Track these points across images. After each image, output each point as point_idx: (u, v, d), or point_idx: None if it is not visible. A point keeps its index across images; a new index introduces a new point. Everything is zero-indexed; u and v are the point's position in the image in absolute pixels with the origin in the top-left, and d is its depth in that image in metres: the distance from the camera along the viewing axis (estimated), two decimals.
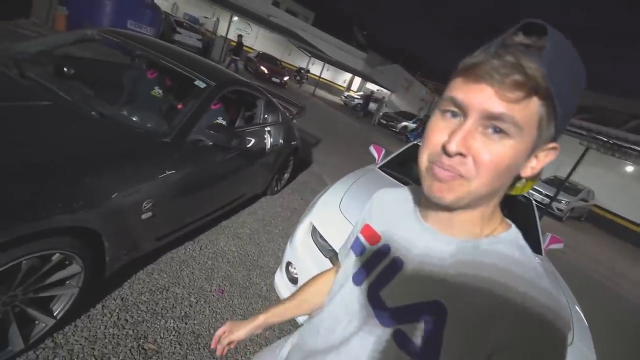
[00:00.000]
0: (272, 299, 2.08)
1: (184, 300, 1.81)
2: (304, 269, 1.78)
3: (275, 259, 2.51)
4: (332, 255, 1.76)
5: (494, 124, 0.41)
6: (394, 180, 2.65)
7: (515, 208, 2.91)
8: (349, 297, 0.57)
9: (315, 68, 21.58)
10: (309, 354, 0.62)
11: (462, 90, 0.42)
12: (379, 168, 2.89)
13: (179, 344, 1.57)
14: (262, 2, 18.59)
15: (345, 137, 9.38)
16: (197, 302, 1.83)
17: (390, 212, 0.61)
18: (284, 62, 19.34)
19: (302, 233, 1.90)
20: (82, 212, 1.24)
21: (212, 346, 0.77)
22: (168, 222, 1.83)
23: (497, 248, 0.46)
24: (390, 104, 22.11)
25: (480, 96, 0.41)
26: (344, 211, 1.92)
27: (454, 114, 0.44)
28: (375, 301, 0.52)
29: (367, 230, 0.62)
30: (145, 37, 2.53)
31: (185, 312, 1.74)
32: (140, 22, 7.53)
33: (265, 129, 2.84)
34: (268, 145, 2.84)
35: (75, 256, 1.29)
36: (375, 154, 3.37)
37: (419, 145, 2.90)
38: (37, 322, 1.29)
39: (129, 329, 1.53)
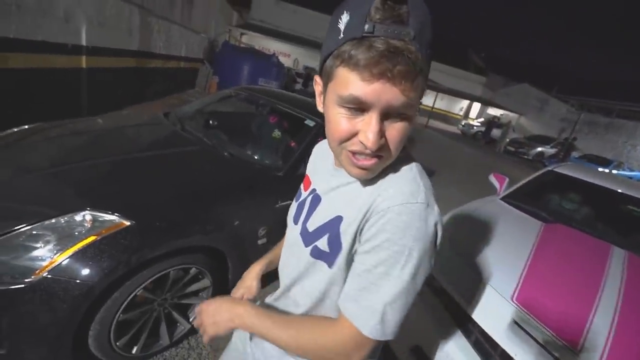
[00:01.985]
0: None
1: None
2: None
3: None
4: (441, 295, 1.58)
5: (397, 112, 0.47)
6: (521, 212, 2.26)
7: None
8: (291, 233, 0.70)
9: (428, 99, 21.02)
10: (279, 295, 0.73)
11: (361, 89, 0.44)
12: (501, 199, 2.52)
13: None
14: None
15: (463, 168, 8.61)
16: None
17: (318, 162, 0.75)
18: None
19: None
20: (213, 234, 1.50)
21: None
22: None
23: (386, 170, 0.56)
24: (520, 128, 19.38)
25: (382, 94, 0.44)
26: (455, 246, 1.73)
27: (356, 110, 0.48)
28: (303, 231, 0.65)
29: (305, 179, 0.75)
30: (268, 89, 3.00)
31: None
32: (268, 78, 8.99)
33: None
34: None
35: (207, 272, 1.54)
36: (497, 184, 2.95)
37: (555, 171, 2.42)
38: (178, 324, 1.57)
39: None
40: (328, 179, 0.65)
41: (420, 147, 8.66)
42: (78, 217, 1.25)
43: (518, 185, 2.70)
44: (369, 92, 0.44)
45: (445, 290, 1.54)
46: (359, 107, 0.47)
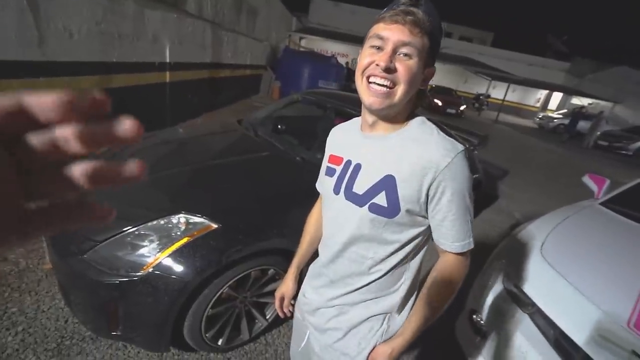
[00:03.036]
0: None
1: None
2: (494, 321, 1.51)
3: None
4: (532, 311, 1.41)
5: (403, 50, 0.64)
6: (629, 220, 1.93)
7: None
8: (334, 204, 0.79)
9: (498, 91, 19.30)
10: (322, 265, 0.85)
11: (383, 29, 0.65)
12: (601, 204, 2.19)
13: None
14: None
15: (543, 167, 7.67)
16: None
17: (343, 139, 0.85)
18: (460, 91, 18.39)
19: (491, 278, 1.64)
20: (289, 237, 1.54)
21: (281, 314, 1.02)
22: None
23: (410, 130, 0.72)
24: (615, 119, 16.70)
25: (396, 32, 0.63)
26: (546, 256, 1.55)
27: (378, 48, 0.66)
28: (350, 195, 0.74)
29: (332, 158, 0.84)
30: (330, 91, 3.02)
31: None
32: (328, 80, 9.09)
33: None
34: None
35: (283, 273, 1.60)
36: (595, 186, 2.55)
37: None
38: (256, 320, 1.66)
39: None
40: (360, 147, 0.76)
41: (493, 144, 7.97)
42: (174, 220, 1.39)
43: (624, 187, 2.32)
44: (387, 30, 0.64)
45: (537, 307, 1.37)
46: (379, 45, 0.65)
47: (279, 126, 2.72)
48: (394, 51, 0.63)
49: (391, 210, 0.68)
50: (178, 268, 1.27)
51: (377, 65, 0.64)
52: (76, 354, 1.42)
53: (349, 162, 0.77)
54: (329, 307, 0.83)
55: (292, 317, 1.02)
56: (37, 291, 1.67)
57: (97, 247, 1.31)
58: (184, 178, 1.74)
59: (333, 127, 2.99)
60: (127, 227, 1.35)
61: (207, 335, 1.43)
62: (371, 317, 0.79)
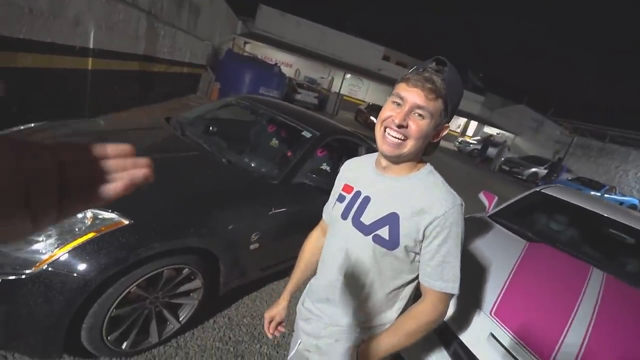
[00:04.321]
0: None
1: None
2: None
3: None
4: None
5: (418, 111, 0.75)
6: (507, 230, 2.34)
7: None
8: (340, 229, 0.88)
9: None
10: (321, 284, 0.92)
11: (404, 90, 0.76)
12: (489, 217, 2.60)
13: None
14: (373, 58, 20.04)
15: (455, 183, 8.62)
16: (289, 335, 1.94)
17: (357, 172, 0.94)
18: None
19: None
20: (207, 237, 1.55)
21: (269, 335, 1.06)
22: (272, 255, 2.06)
23: (420, 176, 0.83)
24: (515, 148, 19.66)
25: (414, 95, 0.74)
26: None
27: (398, 104, 0.77)
28: (357, 223, 0.84)
29: (345, 187, 0.93)
30: (269, 99, 3.10)
31: (278, 342, 1.86)
32: (269, 87, 9.15)
33: None
34: None
35: (199, 273, 1.59)
36: (486, 202, 3.03)
37: (542, 192, 2.51)
38: (168, 322, 1.61)
39: (231, 346, 1.73)
40: (373, 182, 0.86)
41: None
42: (79, 214, 1.31)
43: (506, 204, 2.79)
44: (407, 92, 0.75)
45: None
46: (399, 102, 0.76)
47: (210, 128, 2.70)
48: (410, 111, 0.74)
49: (391, 243, 0.78)
50: (79, 265, 1.19)
51: (393, 120, 0.75)
52: None
53: (358, 193, 0.87)
54: (324, 324, 0.90)
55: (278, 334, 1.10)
56: None
57: None
58: None
59: (266, 133, 3.05)
60: None
61: (109, 338, 1.36)
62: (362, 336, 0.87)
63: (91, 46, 4.08)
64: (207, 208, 1.61)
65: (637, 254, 2.30)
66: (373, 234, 0.80)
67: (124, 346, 1.44)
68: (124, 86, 5.20)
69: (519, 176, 14.16)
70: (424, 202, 0.76)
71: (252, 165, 2.16)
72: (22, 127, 1.97)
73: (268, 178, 2.01)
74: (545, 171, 13.73)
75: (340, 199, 0.91)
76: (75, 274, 1.18)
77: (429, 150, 0.86)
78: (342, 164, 3.04)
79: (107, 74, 4.58)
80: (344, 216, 0.87)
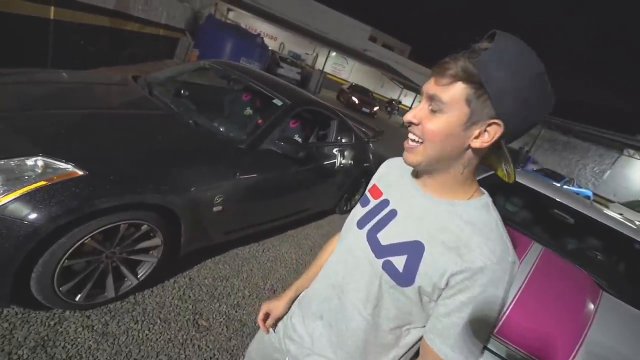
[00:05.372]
0: None
1: (239, 292, 1.99)
2: None
3: None
4: None
5: (431, 105, 0.57)
6: None
7: (632, 258, 2.37)
8: (352, 238, 0.72)
9: (408, 99, 21.49)
10: (317, 294, 0.78)
11: (425, 85, 0.60)
12: None
13: (227, 327, 1.73)
14: (359, 38, 19.74)
15: None
16: (249, 296, 2.00)
17: (393, 175, 0.76)
18: (376, 93, 19.85)
19: None
20: (167, 195, 1.54)
21: (263, 329, 0.89)
22: (236, 219, 2.07)
23: (468, 208, 0.61)
24: None
25: (427, 84, 0.59)
26: None
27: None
28: (372, 240, 0.67)
29: (374, 189, 0.77)
30: (245, 66, 3.02)
31: (238, 302, 1.92)
32: (251, 58, 8.87)
33: (337, 148, 2.99)
34: (338, 164, 2.98)
35: (158, 231, 1.59)
36: None
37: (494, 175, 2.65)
38: (125, 279, 1.61)
39: (190, 304, 1.77)
40: (406, 195, 0.68)
41: (397, 145, 8.93)
42: (29, 162, 1.26)
43: None
44: (425, 84, 0.60)
45: None
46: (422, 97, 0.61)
47: (181, 91, 2.62)
48: (426, 104, 0.59)
49: (404, 279, 0.60)
50: (27, 212, 1.16)
51: (405, 119, 0.61)
52: None
53: (386, 202, 0.71)
54: (307, 350, 0.76)
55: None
56: None
57: None
58: (55, 122, 1.58)
59: (239, 100, 3.01)
60: None
61: (60, 289, 1.35)
62: None
63: None
64: (169, 166, 1.60)
65: (575, 232, 2.52)
66: (385, 259, 0.63)
67: (77, 298, 1.44)
68: (91, 42, 4.87)
69: None
70: (462, 241, 0.57)
71: (220, 129, 2.13)
72: None
73: (235, 142, 2.00)
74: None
75: (364, 202, 0.76)
76: (23, 221, 1.16)
77: (491, 159, 0.65)
78: (315, 134, 3.03)
79: (72, 27, 4.27)
80: (360, 224, 0.71)
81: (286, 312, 0.88)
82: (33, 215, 1.17)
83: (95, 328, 1.47)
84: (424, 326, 0.63)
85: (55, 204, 1.21)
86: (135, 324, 1.56)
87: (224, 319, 1.77)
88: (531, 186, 2.77)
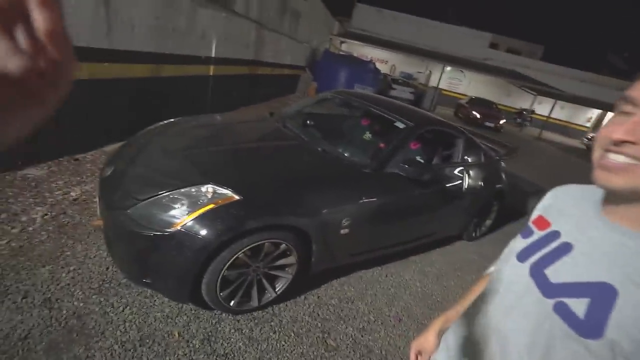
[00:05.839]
0: None
1: (364, 316, 1.98)
2: None
3: None
4: None
5: None
6: None
7: None
8: (512, 272, 0.63)
9: (544, 107, 18.33)
10: (474, 330, 0.69)
11: (638, 89, 0.47)
12: None
13: (353, 350, 1.73)
14: (477, 47, 18.17)
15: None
16: (375, 321, 1.96)
17: (564, 204, 0.65)
18: (502, 105, 17.67)
19: None
20: (301, 217, 1.69)
21: None
22: (361, 242, 2.11)
23: None
24: None
25: None
26: None
27: (628, 114, 0.48)
28: (538, 277, 0.57)
29: (539, 220, 0.66)
30: (363, 92, 3.15)
31: (364, 326, 1.90)
32: (364, 84, 9.20)
33: (464, 168, 2.75)
34: (465, 186, 2.72)
35: (294, 250, 1.75)
36: None
37: None
38: (266, 291, 1.81)
39: (319, 322, 1.85)
40: (586, 226, 0.56)
41: (531, 161, 7.66)
42: (203, 189, 1.59)
43: None
44: None
45: None
46: (629, 110, 0.48)
47: (307, 121, 2.89)
48: None
49: (588, 328, 0.47)
50: (202, 229, 1.45)
51: (609, 136, 0.48)
52: (113, 295, 1.66)
53: (556, 234, 0.60)
54: None
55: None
56: (86, 242, 1.94)
57: (138, 204, 1.53)
58: (216, 156, 1.96)
59: (360, 125, 3.14)
60: (163, 191, 1.57)
61: (221, 294, 1.61)
62: None
63: (213, 55, 4.80)
64: (302, 191, 1.76)
65: None
66: (558, 299, 0.52)
67: (232, 303, 1.69)
68: (236, 88, 5.95)
69: None
70: None
71: (345, 154, 2.24)
72: (164, 122, 2.46)
73: (360, 167, 2.06)
74: None
75: (526, 233, 0.66)
76: (199, 236, 1.45)
77: None
78: (439, 155, 2.89)
79: (224, 78, 5.33)
80: (522, 258, 0.62)
81: (438, 346, 0.81)
82: (205, 232, 1.45)
83: (243, 331, 1.68)
84: None
85: (220, 222, 1.48)
86: (273, 333, 1.72)
87: (350, 341, 1.78)
88: None
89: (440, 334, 0.82)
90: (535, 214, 0.69)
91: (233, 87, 5.84)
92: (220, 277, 1.55)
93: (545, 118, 16.31)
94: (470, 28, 18.13)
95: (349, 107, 3.21)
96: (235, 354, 1.56)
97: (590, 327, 0.47)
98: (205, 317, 1.70)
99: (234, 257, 1.55)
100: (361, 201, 1.94)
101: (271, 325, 1.76)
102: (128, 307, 1.63)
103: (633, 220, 0.50)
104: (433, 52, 17.13)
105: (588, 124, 20.35)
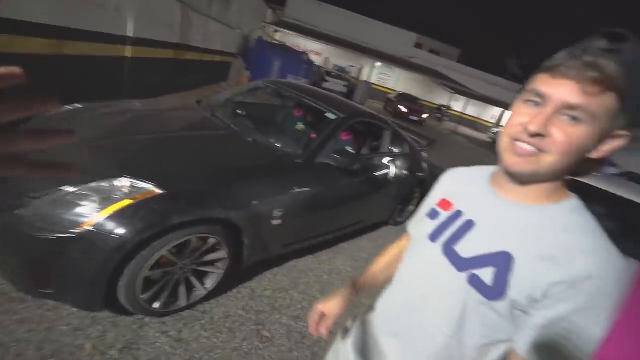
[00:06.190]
0: None
1: (298, 304, 2.02)
2: None
3: None
4: None
5: (571, 113, 0.49)
6: None
7: None
8: (425, 252, 0.68)
9: (458, 104, 20.52)
10: (390, 311, 0.75)
11: (545, 84, 0.52)
12: None
13: (288, 339, 1.76)
14: (404, 46, 19.46)
15: None
16: (308, 308, 2.01)
17: (464, 186, 0.71)
18: (424, 100, 19.28)
19: None
20: (231, 210, 1.64)
21: (313, 332, 0.85)
22: (293, 232, 2.12)
23: (560, 212, 0.56)
24: None
25: (561, 90, 0.50)
26: None
27: (536, 104, 0.53)
28: (450, 254, 0.63)
29: (443, 202, 0.72)
30: (295, 83, 3.14)
31: (298, 314, 1.94)
32: (297, 75, 9.21)
33: (389, 158, 2.94)
34: (392, 175, 2.92)
35: (224, 244, 1.69)
36: None
37: (577, 181, 2.40)
38: (195, 289, 1.73)
39: (253, 315, 1.83)
40: (483, 204, 0.63)
41: (447, 151, 8.54)
42: (117, 183, 1.43)
43: None
44: (552, 87, 0.50)
45: None
46: (537, 100, 0.52)
47: (238, 111, 2.79)
48: (555, 112, 0.50)
49: (494, 292, 0.55)
50: (117, 227, 1.31)
51: (525, 127, 0.52)
52: (2, 313, 1.41)
53: (459, 214, 0.66)
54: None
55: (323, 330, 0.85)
56: None
57: (33, 203, 1.32)
58: (135, 146, 1.78)
59: (292, 115, 3.13)
60: (67, 186, 1.37)
61: (142, 296, 1.49)
62: None
63: (131, 35, 4.30)
64: (232, 182, 1.70)
65: None
66: (470, 272, 0.58)
67: (155, 305, 1.57)
68: (160, 73, 5.44)
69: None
70: (560, 248, 0.52)
71: (277, 145, 2.22)
72: (70, 107, 2.14)
73: (292, 157, 2.07)
74: None
75: (432, 214, 0.71)
76: (114, 235, 1.30)
77: (583, 170, 0.57)
78: (368, 145, 3.03)
79: (144, 61, 4.82)
80: (433, 238, 0.67)
81: (341, 312, 0.85)
82: (121, 230, 1.31)
83: (170, 334, 1.58)
84: (510, 340, 0.58)
85: (139, 219, 1.35)
86: (204, 331, 1.65)
87: (285, 330, 1.80)
88: (618, 193, 2.44)
89: (351, 297, 0.87)
90: (437, 197, 0.75)
91: (156, 72, 5.33)
92: (139, 278, 1.43)
93: (459, 114, 18.27)
94: (399, 28, 19.29)
95: (281, 97, 3.18)
96: (162, 358, 1.46)
97: (496, 291, 0.55)
98: (125, 323, 1.55)
99: (157, 255, 1.44)
100: (293, 191, 1.95)
101: (202, 324, 1.69)
102: (23, 325, 1.40)
103: (523, 196, 0.58)
104: (365, 47, 17.84)
105: (492, 120, 23.40)
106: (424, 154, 3.71)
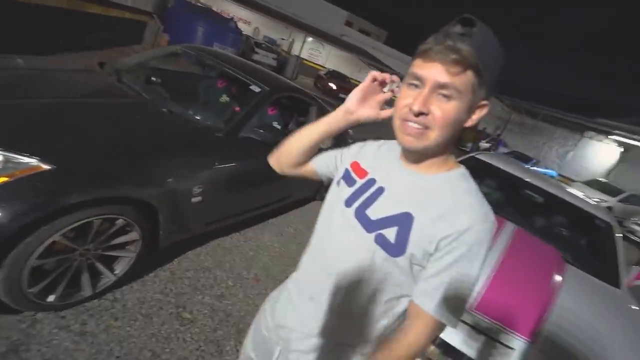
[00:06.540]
0: None
1: (222, 282, 1.97)
2: None
3: None
4: None
5: (442, 92, 0.58)
6: None
7: (593, 233, 2.54)
8: (341, 216, 0.74)
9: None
10: (311, 274, 0.79)
11: (420, 68, 0.60)
12: None
13: (211, 318, 1.72)
14: (335, 23, 19.45)
15: None
16: (233, 286, 1.98)
17: (375, 156, 0.78)
18: (353, 79, 19.78)
19: None
20: (142, 187, 1.48)
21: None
22: (216, 209, 2.03)
23: (449, 178, 0.67)
24: None
25: (432, 71, 0.58)
26: None
27: (416, 86, 0.61)
28: (361, 217, 0.69)
29: (356, 167, 0.78)
30: (219, 51, 2.90)
31: (222, 293, 1.90)
32: (224, 43, 8.56)
33: None
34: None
35: (135, 225, 1.53)
36: None
37: (476, 157, 2.71)
38: (102, 276, 1.55)
39: (172, 297, 1.73)
40: (393, 174, 0.71)
41: (374, 128, 8.99)
42: None
43: None
44: (424, 70, 0.59)
45: None
46: (417, 83, 0.61)
47: (151, 77, 2.49)
48: (432, 92, 0.59)
49: (396, 249, 0.63)
50: None
51: (410, 108, 0.60)
52: None
53: (372, 181, 0.73)
54: (303, 327, 0.76)
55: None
56: None
57: None
58: (15, 112, 1.47)
59: (214, 86, 2.90)
60: None
61: (31, 290, 1.28)
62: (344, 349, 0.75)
63: None
64: (143, 157, 1.53)
65: (544, 211, 2.66)
66: (377, 232, 0.66)
67: (51, 299, 1.37)
68: (51, 26, 4.52)
69: (463, 148, 15.15)
70: (448, 208, 0.62)
71: (196, 117, 2.05)
72: None
73: (212, 130, 1.94)
74: (487, 145, 14.86)
75: (350, 181, 0.77)
76: None
77: (467, 136, 0.69)
78: (294, 121, 2.99)
79: (29, 9, 3.94)
80: (348, 203, 0.73)
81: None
82: None
83: (71, 328, 1.41)
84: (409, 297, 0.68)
85: (19, 201, 1.14)
86: (115, 321, 1.51)
87: (208, 310, 1.75)
88: (504, 168, 2.87)
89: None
90: (350, 159, 0.79)
91: (48, 24, 4.41)
92: (25, 269, 1.22)
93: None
94: (331, 3, 19.09)
95: (202, 65, 2.93)
96: (61, 356, 1.30)
97: (398, 247, 0.63)
98: (8, 323, 1.33)
99: (47, 241, 1.24)
100: (214, 167, 1.84)
101: (112, 313, 1.54)
102: None
103: (422, 167, 0.68)
104: (297, 20, 17.32)
105: None
106: (350, 132, 3.83)
